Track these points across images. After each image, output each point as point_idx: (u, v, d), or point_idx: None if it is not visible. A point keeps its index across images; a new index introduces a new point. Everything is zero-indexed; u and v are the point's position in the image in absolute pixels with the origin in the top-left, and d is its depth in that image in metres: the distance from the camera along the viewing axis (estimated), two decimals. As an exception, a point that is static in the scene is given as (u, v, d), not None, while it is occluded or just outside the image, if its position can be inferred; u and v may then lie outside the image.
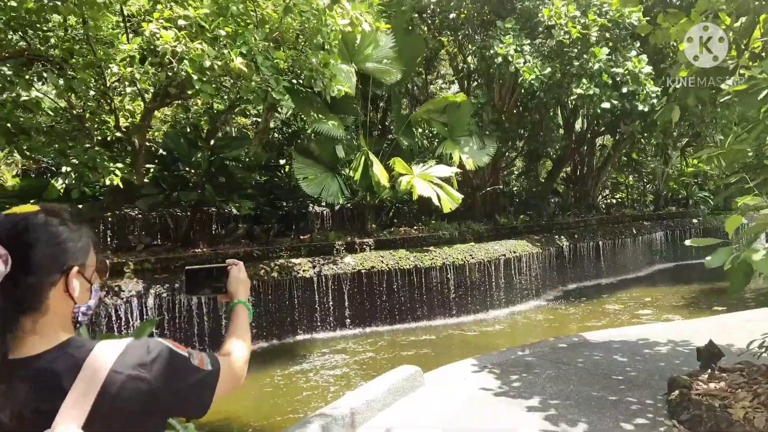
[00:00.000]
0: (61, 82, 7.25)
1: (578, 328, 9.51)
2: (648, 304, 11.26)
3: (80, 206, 9.40)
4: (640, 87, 11.09)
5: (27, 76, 7.06)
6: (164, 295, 7.45)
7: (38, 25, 7.45)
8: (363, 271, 9.43)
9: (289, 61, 8.33)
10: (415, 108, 13.41)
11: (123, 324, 6.98)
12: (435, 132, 13.66)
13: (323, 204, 12.06)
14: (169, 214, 12.86)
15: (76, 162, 7.85)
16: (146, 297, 7.27)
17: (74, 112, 9.10)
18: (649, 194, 19.94)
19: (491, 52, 11.02)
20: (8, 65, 6.94)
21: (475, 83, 15.20)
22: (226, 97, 9.59)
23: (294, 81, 10.80)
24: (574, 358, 6.60)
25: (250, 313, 1.64)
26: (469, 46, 13.69)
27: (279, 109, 14.07)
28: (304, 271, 9.04)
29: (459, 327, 9.57)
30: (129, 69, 8.09)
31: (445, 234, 11.33)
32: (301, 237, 11.79)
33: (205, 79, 7.39)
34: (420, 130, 14.23)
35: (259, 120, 13.65)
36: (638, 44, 11.53)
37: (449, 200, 10.51)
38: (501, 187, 14.87)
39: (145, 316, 7.22)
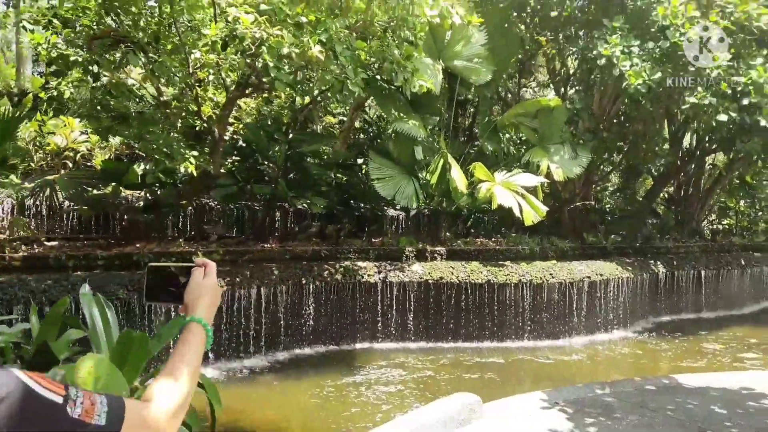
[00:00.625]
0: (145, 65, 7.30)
1: (670, 368, 8.44)
2: (753, 347, 9.88)
3: (158, 192, 9.56)
4: (764, 99, 9.75)
5: (111, 58, 7.14)
6: (224, 288, 7.30)
7: (131, 9, 7.54)
8: (431, 281, 8.88)
9: (371, 53, 7.98)
10: (505, 112, 12.68)
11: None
12: (523, 138, 12.85)
13: (398, 207, 11.67)
14: (246, 207, 12.96)
15: (153, 147, 7.94)
16: (206, 288, 7.15)
17: (161, 99, 9.26)
18: (761, 222, 17.89)
19: (594, 53, 10.08)
20: (94, 45, 7.07)
21: (573, 89, 14.20)
22: (306, 89, 9.41)
23: (378, 77, 10.47)
24: (664, 403, 5.75)
25: (208, 338, 1.16)
26: (570, 48, 12.75)
27: (367, 109, 13.90)
28: (368, 275, 8.64)
29: (531, 352, 8.77)
30: (211, 55, 8.07)
31: (525, 249, 10.54)
32: (373, 240, 11.45)
33: (284, 67, 7.19)
34: (507, 135, 13.46)
35: (345, 119, 13.51)
36: (765, 52, 10.16)
37: (532, 212, 9.73)
38: (592, 202, 13.77)
39: (202, 308, 7.10)
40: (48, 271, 7.10)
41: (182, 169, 8.15)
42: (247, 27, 6.73)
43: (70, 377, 2.97)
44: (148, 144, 8.14)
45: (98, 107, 9.28)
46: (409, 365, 7.63)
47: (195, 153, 8.17)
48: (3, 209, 8.89)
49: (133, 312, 6.50)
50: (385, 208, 12.71)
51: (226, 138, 11.96)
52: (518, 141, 13.88)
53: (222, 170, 9.64)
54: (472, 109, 13.69)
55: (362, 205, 11.72)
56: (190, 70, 8.14)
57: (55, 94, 8.71)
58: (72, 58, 7.76)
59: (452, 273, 9.05)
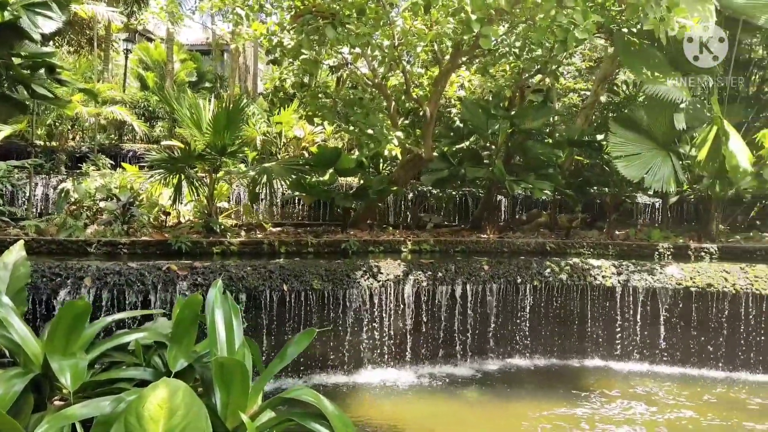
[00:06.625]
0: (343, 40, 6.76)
1: None
2: None
3: (372, 178, 9.16)
4: None
5: (312, 36, 6.77)
6: (424, 283, 6.42)
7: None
8: (693, 288, 6.70)
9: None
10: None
11: (377, 310, 6.22)
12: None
13: (651, 193, 9.49)
14: (470, 194, 12.03)
15: (356, 130, 7.46)
16: (404, 283, 6.36)
17: (375, 81, 8.82)
18: None
19: None
20: (297, 23, 6.77)
21: None
22: (526, 50, 7.99)
23: (625, 29, 8.53)
24: None
25: None
26: None
27: (618, 83, 11.78)
28: (604, 277, 6.88)
29: None
30: (416, 23, 7.25)
31: None
32: (616, 232, 9.48)
33: (489, 25, 5.98)
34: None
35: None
36: None
37: None
38: None
39: (401, 304, 6.33)
40: (261, 257, 7.12)
41: (386, 153, 7.55)
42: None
43: (135, 409, 2.32)
44: (349, 127, 7.70)
45: (319, 94, 9.26)
46: (659, 399, 5.75)
47: (400, 134, 7.49)
48: (234, 197, 9.48)
49: (325, 304, 6.03)
50: (635, 194, 10.58)
51: (448, 118, 11.15)
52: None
53: (435, 153, 8.80)
54: (757, 56, 10.46)
55: (602, 190, 9.83)
56: (396, 43, 7.45)
57: (277, 83, 8.88)
58: (285, 43, 7.69)
59: (726, 279, 6.72)
